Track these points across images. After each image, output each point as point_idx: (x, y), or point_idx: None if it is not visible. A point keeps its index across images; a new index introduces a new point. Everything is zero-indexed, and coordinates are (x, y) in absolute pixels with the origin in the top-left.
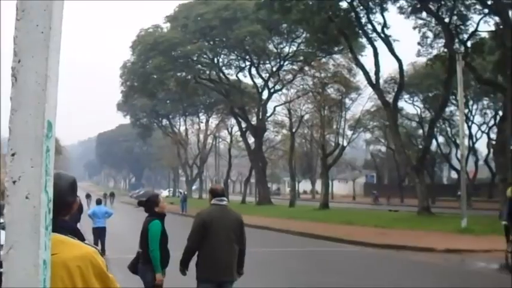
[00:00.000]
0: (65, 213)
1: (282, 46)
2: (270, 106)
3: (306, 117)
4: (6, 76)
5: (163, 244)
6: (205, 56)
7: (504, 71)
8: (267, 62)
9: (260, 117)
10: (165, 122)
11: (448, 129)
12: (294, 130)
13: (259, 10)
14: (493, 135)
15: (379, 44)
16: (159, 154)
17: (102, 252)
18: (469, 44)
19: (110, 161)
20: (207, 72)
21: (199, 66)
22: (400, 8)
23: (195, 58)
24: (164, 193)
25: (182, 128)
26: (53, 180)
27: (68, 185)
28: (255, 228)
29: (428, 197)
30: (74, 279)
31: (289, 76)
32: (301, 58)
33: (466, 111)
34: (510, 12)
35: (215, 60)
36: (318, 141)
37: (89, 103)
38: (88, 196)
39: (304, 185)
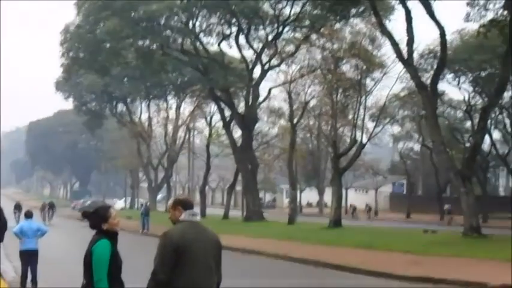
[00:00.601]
0: None
1: (281, 6)
2: (263, 88)
3: (312, 103)
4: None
5: (114, 273)
6: (176, 18)
7: None
8: (261, 27)
9: (250, 102)
10: (121, 107)
11: (507, 121)
12: (295, 121)
13: None
14: None
15: (414, 4)
16: (113, 151)
17: (34, 284)
18: None
19: (45, 160)
20: (179, 40)
21: (168, 32)
22: None
23: (162, 21)
24: (119, 204)
25: (144, 116)
26: None
27: None
28: (241, 252)
29: (479, 213)
30: None
31: (291, 47)
32: (307, 23)
33: None
34: None
35: (190, 24)
36: (328, 136)
37: (16, 80)
38: (17, 207)
39: (308, 195)
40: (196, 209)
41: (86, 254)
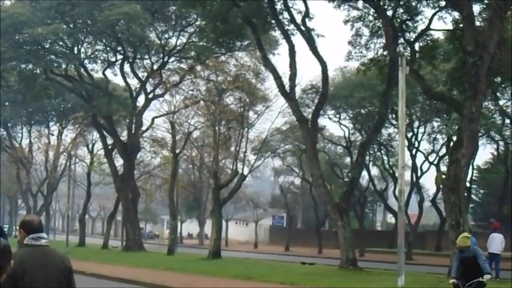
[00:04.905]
0: None
1: (167, 36)
2: (147, 117)
3: (195, 134)
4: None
5: None
6: (61, 43)
7: (461, 83)
8: (146, 56)
9: (133, 131)
10: (1, 131)
11: (385, 157)
12: (178, 151)
13: None
14: (444, 168)
15: (298, 40)
16: None
17: None
18: (417, 46)
19: None
20: (63, 66)
21: (52, 57)
22: None
23: (47, 45)
24: None
25: (25, 142)
26: None
27: None
28: (119, 282)
29: (355, 246)
30: None
31: (175, 77)
32: (193, 54)
33: (410, 134)
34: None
35: (75, 49)
36: (210, 167)
37: None
38: None
39: (189, 226)
40: (42, 233)
41: None
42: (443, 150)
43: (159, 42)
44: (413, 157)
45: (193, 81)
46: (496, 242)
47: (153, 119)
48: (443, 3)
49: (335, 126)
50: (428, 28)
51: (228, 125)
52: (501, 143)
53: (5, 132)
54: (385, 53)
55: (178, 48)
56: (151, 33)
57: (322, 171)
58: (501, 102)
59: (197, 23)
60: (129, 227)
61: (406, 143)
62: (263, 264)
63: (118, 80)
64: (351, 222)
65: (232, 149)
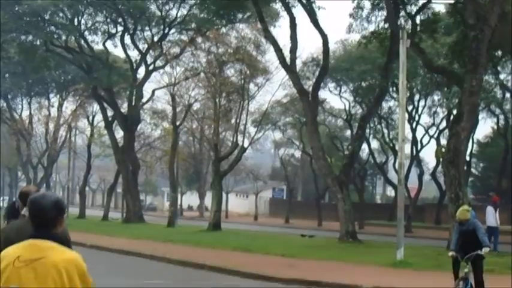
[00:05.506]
0: (51, 226)
1: (168, 7)
2: (147, 89)
3: (196, 106)
4: None
5: None
6: (61, 14)
7: (462, 57)
8: (147, 28)
9: (133, 103)
10: (1, 103)
11: (385, 130)
12: (178, 123)
13: None
14: (444, 142)
15: (299, 12)
16: None
17: None
18: (418, 19)
19: None
20: (63, 37)
21: (52, 28)
22: None
23: (47, 17)
24: None
25: (25, 114)
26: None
27: (51, 203)
28: (119, 253)
29: (355, 219)
30: (62, 279)
31: (176, 49)
32: (193, 26)
33: (410, 108)
34: None
35: (75, 21)
36: (210, 139)
37: None
38: None
39: (190, 199)
40: None
41: None
42: (444, 124)
43: (159, 13)
44: (413, 130)
45: (194, 53)
46: (489, 216)
47: (153, 91)
48: None
49: (336, 99)
50: (429, 1)
51: (229, 97)
52: (501, 117)
53: (5, 104)
54: (386, 26)
55: (178, 19)
56: (152, 5)
57: (323, 144)
58: (502, 76)
59: None
60: (129, 199)
61: (407, 116)
62: (263, 236)
63: (118, 52)
64: (351, 195)
65: (233, 121)
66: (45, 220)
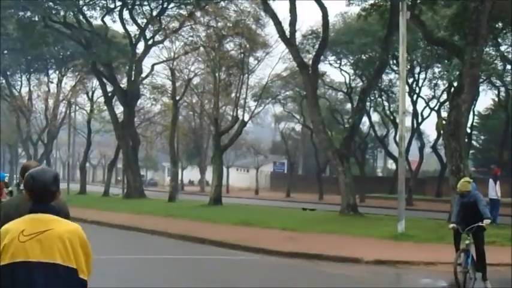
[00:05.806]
0: (50, 200)
1: None
2: (146, 64)
3: (195, 81)
4: None
5: None
6: None
7: (462, 29)
8: (145, 2)
9: (133, 78)
10: (0, 80)
11: (386, 103)
12: (178, 98)
13: None
14: (445, 114)
15: None
16: None
17: None
18: None
19: None
20: (62, 13)
21: (50, 4)
22: None
23: None
24: None
25: (24, 90)
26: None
27: (52, 178)
28: (120, 228)
29: (356, 192)
30: (66, 249)
31: (175, 24)
32: (192, 0)
33: (410, 80)
34: None
35: None
36: (211, 114)
37: None
38: None
39: (190, 174)
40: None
41: None
42: (444, 96)
43: None
44: (414, 103)
45: (193, 28)
46: (490, 188)
47: (152, 66)
48: None
49: (336, 72)
50: None
51: (228, 71)
52: (502, 89)
53: (4, 81)
54: None
55: None
56: None
57: (323, 117)
58: (502, 48)
59: None
60: (130, 174)
61: (407, 88)
62: (264, 210)
63: (117, 27)
64: (352, 168)
65: (233, 95)
66: (46, 194)
